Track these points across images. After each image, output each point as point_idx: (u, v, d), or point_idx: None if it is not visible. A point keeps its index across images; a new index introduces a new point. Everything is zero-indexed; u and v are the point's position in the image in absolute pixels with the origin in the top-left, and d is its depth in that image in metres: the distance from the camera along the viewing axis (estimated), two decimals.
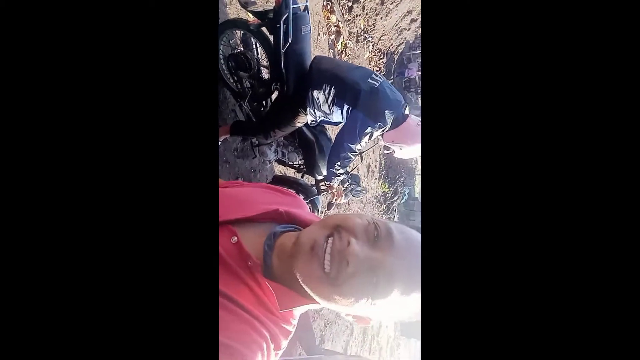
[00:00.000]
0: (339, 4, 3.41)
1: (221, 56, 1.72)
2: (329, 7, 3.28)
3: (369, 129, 1.44)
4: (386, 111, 1.43)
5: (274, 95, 1.69)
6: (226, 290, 0.43)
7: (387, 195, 4.90)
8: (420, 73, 4.76)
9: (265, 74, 1.71)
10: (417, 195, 5.50)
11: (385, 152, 1.63)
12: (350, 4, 3.50)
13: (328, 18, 3.30)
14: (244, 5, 1.48)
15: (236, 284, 0.45)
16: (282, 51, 1.43)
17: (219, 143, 1.86)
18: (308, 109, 1.51)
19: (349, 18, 3.57)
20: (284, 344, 0.48)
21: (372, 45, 4.06)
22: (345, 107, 1.46)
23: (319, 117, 1.58)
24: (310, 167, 1.81)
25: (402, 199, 5.20)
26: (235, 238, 0.47)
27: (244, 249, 0.46)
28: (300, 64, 1.52)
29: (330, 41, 3.33)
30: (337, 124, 1.71)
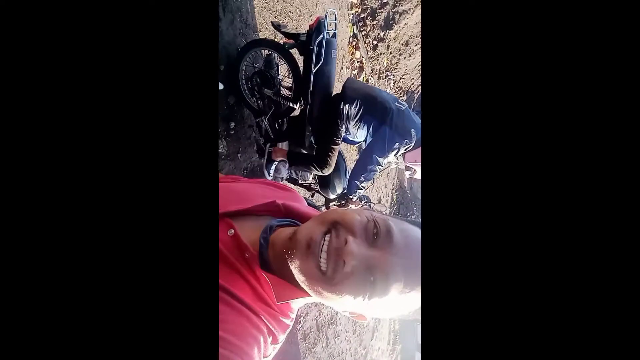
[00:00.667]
0: (365, 41, 3.58)
1: (243, 76, 1.81)
2: (354, 43, 3.45)
3: (396, 144, 1.53)
4: (412, 129, 1.52)
5: (295, 113, 1.74)
6: (223, 282, 0.42)
7: None
8: None
9: (286, 92, 1.78)
10: None
11: (407, 172, 1.66)
12: (375, 42, 3.67)
13: (352, 54, 3.46)
14: (277, 28, 1.58)
15: (233, 276, 0.44)
16: (313, 71, 1.51)
17: (277, 163, 1.90)
18: (339, 122, 1.58)
19: (373, 55, 3.72)
20: (282, 337, 0.46)
21: (394, 83, 4.18)
22: (373, 124, 1.54)
23: (344, 134, 1.63)
24: (324, 185, 1.83)
25: None
26: (232, 230, 0.47)
27: (242, 241, 0.46)
28: (326, 85, 1.61)
29: (352, 76, 3.45)
30: (356, 143, 1.76)
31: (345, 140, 1.73)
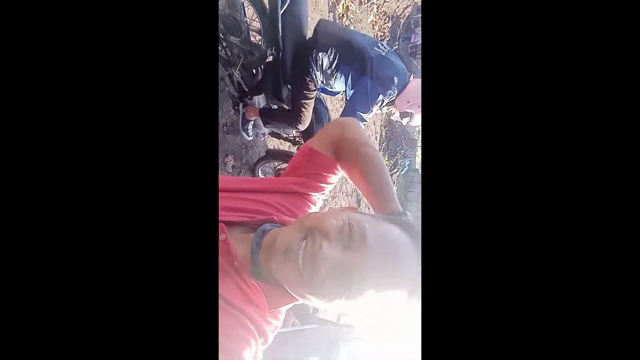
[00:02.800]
0: None
1: None
2: None
3: (380, 97, 1.41)
4: (394, 77, 1.39)
5: (268, 60, 1.58)
6: None
7: (387, 167, 4.86)
8: None
9: (256, 38, 1.59)
10: (417, 167, 5.45)
11: (404, 120, 1.55)
12: None
13: None
14: None
15: (224, 279, 0.45)
16: (280, 13, 1.32)
17: (251, 123, 1.78)
18: (311, 72, 1.43)
19: None
20: (271, 337, 0.49)
21: (377, 8, 3.81)
22: (351, 74, 1.40)
23: (320, 84, 1.50)
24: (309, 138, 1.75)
25: (402, 170, 5.16)
26: (224, 235, 0.48)
27: (231, 249, 0.47)
28: (297, 28, 1.42)
29: (330, 3, 3.11)
30: (336, 93, 1.64)
31: (324, 91, 1.60)
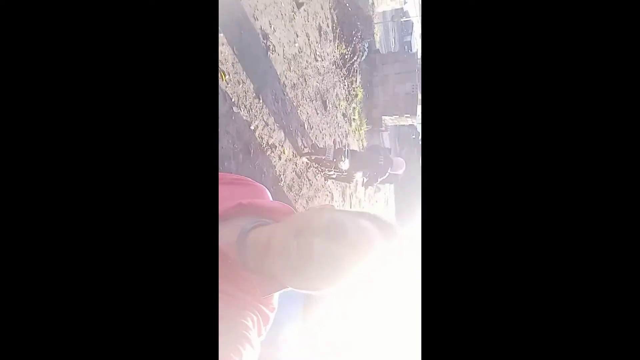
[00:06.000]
0: None
1: None
2: None
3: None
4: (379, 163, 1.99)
5: None
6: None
7: (346, 56, 4.63)
8: None
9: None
10: (377, 47, 5.15)
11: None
12: None
13: None
14: None
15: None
16: None
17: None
18: None
19: None
20: (264, 330, 0.52)
21: None
22: None
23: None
24: None
25: (362, 55, 4.93)
26: None
27: (221, 251, 0.50)
28: None
29: None
30: None
31: None
